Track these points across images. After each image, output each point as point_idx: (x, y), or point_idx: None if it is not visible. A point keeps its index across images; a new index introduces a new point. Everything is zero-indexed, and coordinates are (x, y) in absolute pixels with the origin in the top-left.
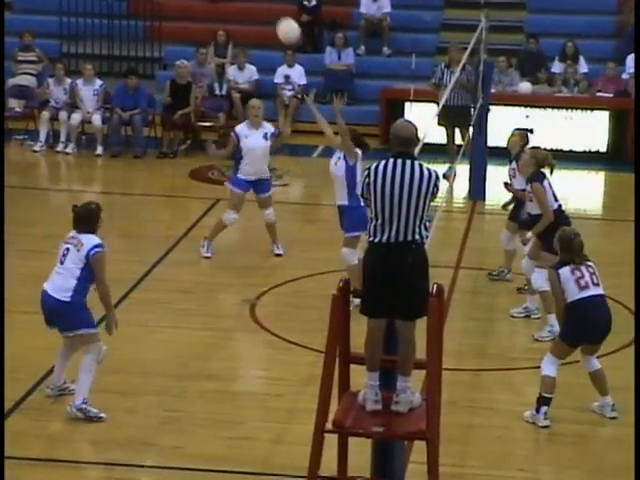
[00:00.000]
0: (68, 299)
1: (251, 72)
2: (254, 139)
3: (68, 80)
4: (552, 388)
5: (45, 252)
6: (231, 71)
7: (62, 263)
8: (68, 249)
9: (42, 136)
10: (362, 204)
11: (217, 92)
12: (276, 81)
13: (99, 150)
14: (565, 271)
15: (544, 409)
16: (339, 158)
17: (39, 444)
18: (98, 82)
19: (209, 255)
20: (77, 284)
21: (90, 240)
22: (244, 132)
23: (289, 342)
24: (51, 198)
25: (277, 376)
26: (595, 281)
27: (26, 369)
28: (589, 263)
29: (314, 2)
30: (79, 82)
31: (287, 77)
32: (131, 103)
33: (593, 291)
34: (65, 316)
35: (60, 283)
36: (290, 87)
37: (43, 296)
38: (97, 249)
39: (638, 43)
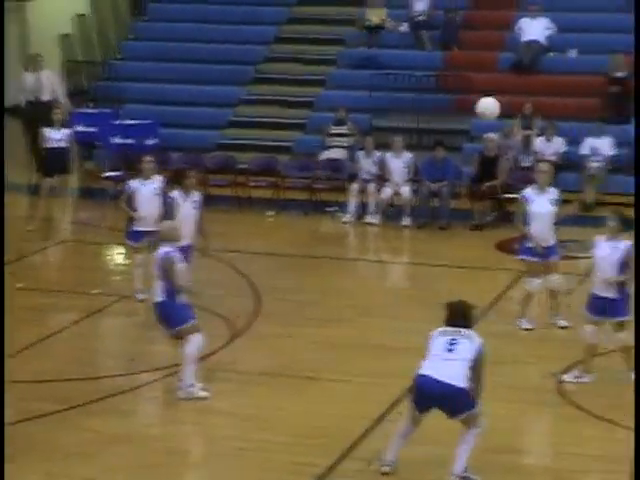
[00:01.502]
0: (463, 385)
1: (558, 144)
2: (540, 203)
3: (377, 153)
4: None
5: (343, 320)
6: (538, 143)
7: (451, 351)
8: (455, 339)
9: (351, 207)
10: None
11: (523, 164)
12: (582, 152)
13: (406, 221)
14: None
15: None
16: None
17: None
18: (407, 155)
19: (529, 327)
20: (468, 373)
21: (478, 338)
22: (531, 196)
23: (596, 417)
24: (358, 268)
25: (584, 452)
26: None
27: (338, 436)
28: None
29: (624, 73)
30: (388, 155)
31: (594, 149)
32: (438, 175)
33: None
34: (456, 401)
35: (454, 370)
36: (598, 158)
37: (425, 381)
38: (481, 348)
39: (638, 46)
